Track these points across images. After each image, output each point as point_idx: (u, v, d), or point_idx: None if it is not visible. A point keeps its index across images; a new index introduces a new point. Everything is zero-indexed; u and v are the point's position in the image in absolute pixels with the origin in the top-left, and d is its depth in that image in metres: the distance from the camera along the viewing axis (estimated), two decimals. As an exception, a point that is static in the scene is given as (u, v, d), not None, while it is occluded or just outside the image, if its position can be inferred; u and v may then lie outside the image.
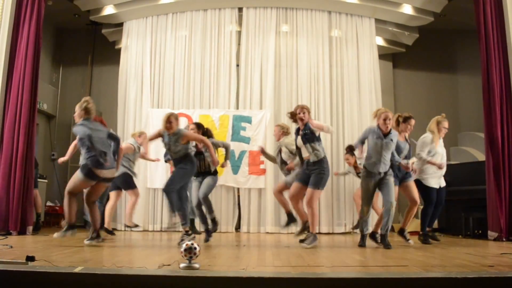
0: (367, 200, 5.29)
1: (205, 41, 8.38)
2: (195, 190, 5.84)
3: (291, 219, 5.97)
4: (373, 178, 5.18)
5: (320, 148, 5.16)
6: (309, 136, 5.13)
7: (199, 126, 6.01)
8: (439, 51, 9.47)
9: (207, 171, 5.82)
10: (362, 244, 5.28)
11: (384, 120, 5.13)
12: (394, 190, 5.19)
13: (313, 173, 5.11)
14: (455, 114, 8.02)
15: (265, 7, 8.42)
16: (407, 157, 5.63)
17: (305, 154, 5.22)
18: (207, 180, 5.79)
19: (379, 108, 5.81)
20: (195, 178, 5.84)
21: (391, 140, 5.17)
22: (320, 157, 5.12)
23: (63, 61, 9.71)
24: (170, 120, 5.31)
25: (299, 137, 5.22)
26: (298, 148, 5.33)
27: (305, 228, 5.39)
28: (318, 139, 5.19)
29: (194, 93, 8.22)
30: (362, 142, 5.34)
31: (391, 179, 5.19)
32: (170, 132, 5.31)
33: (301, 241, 5.16)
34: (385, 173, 5.16)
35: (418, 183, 5.75)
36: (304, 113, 5.20)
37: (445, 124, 5.82)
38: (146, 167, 7.91)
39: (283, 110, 8.05)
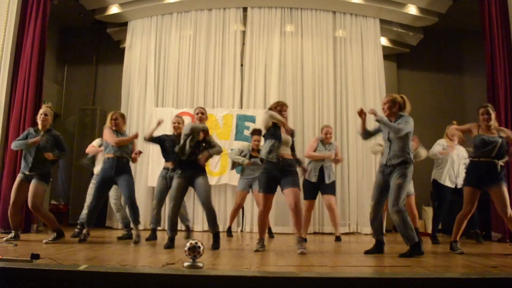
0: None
1: (210, 40, 8.39)
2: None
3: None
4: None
5: None
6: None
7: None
8: (444, 51, 9.45)
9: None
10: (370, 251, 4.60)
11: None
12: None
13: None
14: (459, 115, 7.98)
15: (270, 7, 8.43)
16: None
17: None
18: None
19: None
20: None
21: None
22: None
23: (68, 59, 9.74)
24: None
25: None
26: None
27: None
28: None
29: (198, 92, 8.23)
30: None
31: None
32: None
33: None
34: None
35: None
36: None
37: (449, 131, 6.05)
38: (147, 166, 7.90)
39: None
